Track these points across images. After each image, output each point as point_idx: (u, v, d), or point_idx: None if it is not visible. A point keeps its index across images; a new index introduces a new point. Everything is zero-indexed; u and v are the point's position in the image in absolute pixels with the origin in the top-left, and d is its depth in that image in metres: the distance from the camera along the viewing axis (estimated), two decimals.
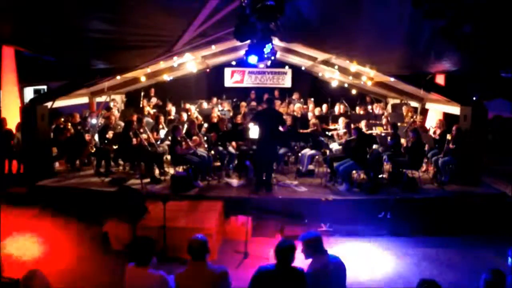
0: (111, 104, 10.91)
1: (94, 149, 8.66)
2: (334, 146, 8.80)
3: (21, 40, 6.49)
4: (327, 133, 9.09)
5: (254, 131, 8.37)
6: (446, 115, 9.94)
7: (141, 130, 8.11)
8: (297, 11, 5.27)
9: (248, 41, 5.65)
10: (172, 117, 10.57)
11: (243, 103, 12.05)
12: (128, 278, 3.24)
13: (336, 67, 10.20)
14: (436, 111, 10.50)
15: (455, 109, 8.68)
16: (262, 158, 7.27)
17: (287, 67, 14.36)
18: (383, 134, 9.05)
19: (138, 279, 3.19)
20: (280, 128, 7.24)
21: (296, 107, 10.97)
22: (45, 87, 11.75)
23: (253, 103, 12.87)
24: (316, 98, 12.66)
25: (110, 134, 8.41)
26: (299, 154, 8.74)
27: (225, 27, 6.23)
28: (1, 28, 5.52)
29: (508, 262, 3.57)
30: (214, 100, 12.68)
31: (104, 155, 8.27)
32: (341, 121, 9.27)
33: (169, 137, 8.15)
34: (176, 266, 3.35)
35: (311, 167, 8.51)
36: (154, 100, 12.22)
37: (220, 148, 8.26)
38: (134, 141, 7.79)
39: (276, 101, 12.51)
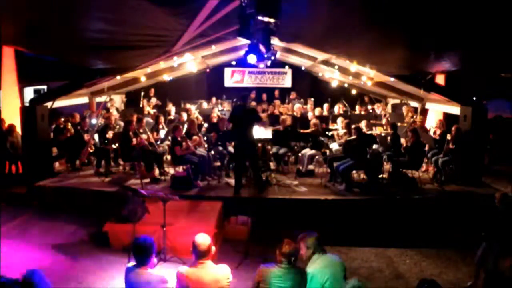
0: (108, 105, 10.91)
1: (94, 149, 8.67)
2: (334, 146, 8.80)
3: (21, 40, 6.49)
4: (327, 133, 9.10)
5: (254, 131, 8.37)
6: (446, 115, 9.94)
7: (141, 130, 8.11)
8: (297, 11, 5.28)
9: (249, 41, 5.66)
10: (172, 117, 10.57)
11: None
12: (128, 278, 3.24)
13: (336, 67, 10.20)
14: (436, 111, 10.50)
15: (455, 109, 8.69)
16: (242, 156, 7.21)
17: (287, 67, 14.36)
18: (383, 134, 9.05)
19: (138, 279, 3.19)
20: (257, 125, 7.18)
21: (296, 107, 10.98)
22: (45, 87, 11.76)
23: (253, 103, 12.88)
24: (316, 98, 12.67)
25: (110, 134, 8.41)
26: (299, 154, 8.74)
27: (225, 27, 6.23)
28: (2, 28, 5.51)
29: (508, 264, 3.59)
30: (214, 100, 12.68)
31: (104, 155, 8.27)
32: (340, 121, 9.27)
33: (169, 137, 8.15)
34: (176, 266, 3.35)
35: (311, 167, 8.51)
36: (154, 100, 12.23)
37: (220, 148, 8.26)
38: (134, 141, 7.79)
39: (276, 101, 12.55)
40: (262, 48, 5.54)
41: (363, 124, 9.06)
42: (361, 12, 4.99)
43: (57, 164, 8.71)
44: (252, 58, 5.78)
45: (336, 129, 9.29)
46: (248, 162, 7.21)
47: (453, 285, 4.92)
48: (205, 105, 12.14)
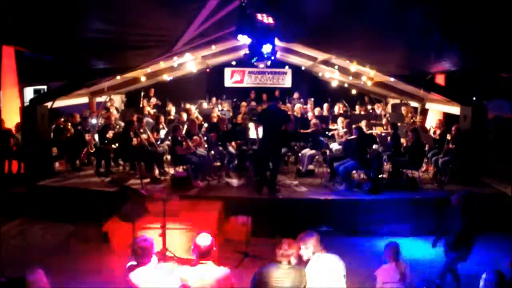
0: (108, 104, 10.91)
1: (94, 149, 8.66)
2: (334, 146, 8.81)
3: (21, 40, 6.49)
4: (327, 133, 9.10)
5: (254, 131, 8.37)
6: (446, 115, 9.94)
7: (141, 130, 8.11)
8: (297, 11, 5.28)
9: (248, 41, 5.64)
10: (172, 117, 10.57)
11: (243, 103, 12.05)
12: (128, 278, 3.24)
13: (336, 67, 10.20)
14: (436, 111, 10.50)
15: (455, 109, 8.69)
16: (266, 157, 7.23)
17: (287, 67, 14.36)
18: (383, 134, 9.05)
19: (138, 279, 3.19)
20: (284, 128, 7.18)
21: (296, 107, 10.98)
22: (45, 87, 11.75)
23: (253, 103, 12.88)
24: (316, 98, 12.67)
25: (110, 134, 8.42)
26: (299, 154, 8.74)
27: (225, 27, 6.24)
28: (1, 28, 5.52)
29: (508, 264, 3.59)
30: (214, 100, 12.67)
31: (104, 155, 8.27)
32: (340, 121, 9.27)
33: (169, 137, 8.15)
34: (176, 266, 3.35)
35: (311, 167, 8.51)
36: (154, 100, 12.22)
37: (220, 148, 8.26)
38: (135, 141, 7.79)
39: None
40: (263, 47, 5.53)
41: (363, 124, 9.06)
42: (361, 12, 4.99)
43: (57, 164, 8.71)
44: (254, 58, 5.78)
45: (336, 129, 9.30)
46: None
47: (453, 285, 4.91)
48: (205, 105, 12.14)
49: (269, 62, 7.44)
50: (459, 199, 4.56)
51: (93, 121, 9.45)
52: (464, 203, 4.53)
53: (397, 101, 12.39)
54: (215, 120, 9.49)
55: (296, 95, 13.09)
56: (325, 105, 11.20)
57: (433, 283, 3.12)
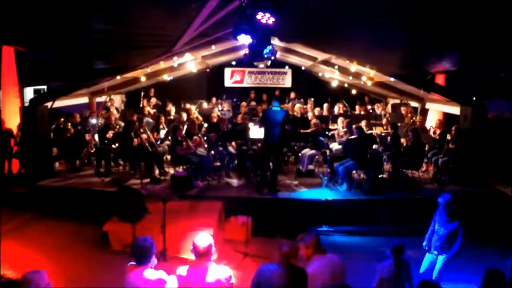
0: (108, 104, 10.92)
1: (94, 149, 8.66)
2: (334, 146, 8.81)
3: (21, 40, 6.50)
4: (327, 133, 9.10)
5: (254, 131, 8.38)
6: (446, 115, 9.94)
7: (141, 130, 8.12)
8: (297, 10, 5.28)
9: (248, 41, 5.64)
10: (172, 117, 10.57)
11: (243, 103, 12.05)
12: (128, 278, 3.24)
13: (336, 67, 10.20)
14: (436, 111, 10.51)
15: (455, 109, 8.69)
16: (267, 157, 7.24)
17: (287, 67, 14.36)
18: (383, 134, 9.05)
19: (138, 279, 3.19)
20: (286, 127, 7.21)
21: (296, 107, 10.97)
22: (45, 87, 11.75)
23: (253, 103, 12.88)
24: (316, 98, 12.67)
25: (110, 134, 8.42)
26: (299, 154, 8.74)
27: (225, 27, 6.23)
28: (1, 28, 5.52)
29: (508, 264, 3.58)
30: (214, 100, 12.68)
31: (104, 155, 8.27)
32: (340, 121, 9.27)
33: (169, 137, 8.16)
34: (176, 266, 3.35)
35: (311, 167, 8.51)
36: (154, 100, 12.22)
37: (220, 148, 8.26)
38: (135, 141, 7.79)
39: None
40: (263, 47, 5.53)
41: (363, 124, 9.06)
42: (361, 12, 4.99)
43: (57, 164, 8.71)
44: (254, 59, 5.79)
45: (336, 129, 9.30)
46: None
47: (453, 285, 4.92)
48: (205, 105, 12.13)
49: (269, 62, 7.45)
50: (447, 202, 4.56)
51: (93, 121, 9.45)
52: (454, 205, 4.54)
53: (397, 101, 12.39)
54: (215, 120, 9.50)
55: (292, 95, 13.09)
56: (325, 105, 11.19)
57: (433, 283, 3.12)
